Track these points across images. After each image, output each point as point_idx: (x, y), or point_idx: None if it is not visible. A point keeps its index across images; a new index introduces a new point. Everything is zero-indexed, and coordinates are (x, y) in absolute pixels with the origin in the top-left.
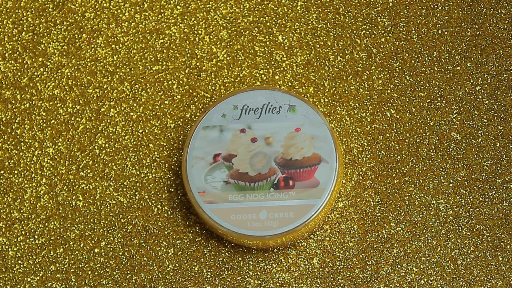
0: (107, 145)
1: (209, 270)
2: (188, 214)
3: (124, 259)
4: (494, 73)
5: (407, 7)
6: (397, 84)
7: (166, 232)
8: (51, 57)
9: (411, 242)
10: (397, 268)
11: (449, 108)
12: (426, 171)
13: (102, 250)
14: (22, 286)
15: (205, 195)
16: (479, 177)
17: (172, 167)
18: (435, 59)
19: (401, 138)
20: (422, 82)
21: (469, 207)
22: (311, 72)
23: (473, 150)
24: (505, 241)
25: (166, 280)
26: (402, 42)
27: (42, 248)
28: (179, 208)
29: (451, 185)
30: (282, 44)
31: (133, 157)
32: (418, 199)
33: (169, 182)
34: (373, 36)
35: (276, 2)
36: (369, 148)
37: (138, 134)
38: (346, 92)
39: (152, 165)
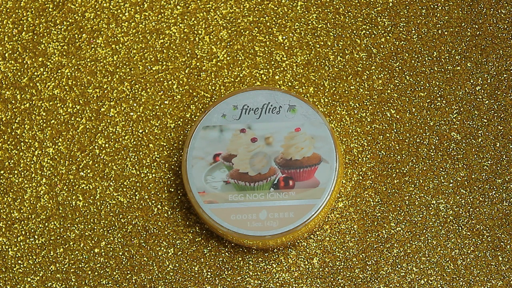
0: (107, 145)
1: (209, 270)
2: (188, 214)
3: (124, 259)
4: (494, 73)
5: (407, 7)
6: (397, 84)
7: (166, 232)
8: (51, 57)
9: (411, 242)
10: (397, 268)
11: (449, 108)
12: (426, 171)
13: (102, 250)
14: (22, 286)
15: (205, 195)
16: (479, 177)
17: (172, 167)
18: (435, 59)
19: (401, 138)
20: (422, 82)
21: (469, 207)
22: (311, 72)
23: (473, 150)
24: (505, 241)
25: (166, 280)
26: (402, 42)
27: (42, 248)
28: (179, 208)
29: (451, 185)
30: (282, 44)
31: (133, 157)
32: (418, 199)
33: (169, 182)
34: (373, 36)
35: (276, 2)
36: (369, 148)
37: (138, 134)
38: (346, 92)
39: (152, 165)
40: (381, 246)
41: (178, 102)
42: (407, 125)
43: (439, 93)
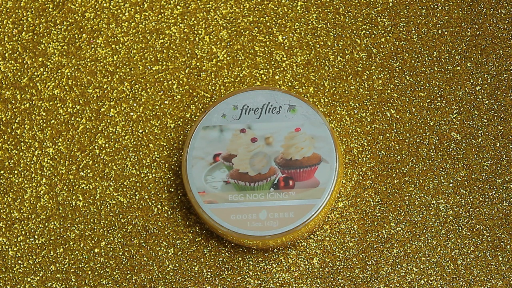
0: (107, 145)
1: (209, 270)
2: (188, 214)
3: (124, 259)
4: (494, 73)
5: (407, 7)
6: (397, 84)
7: (166, 232)
8: (51, 57)
9: (411, 242)
10: (397, 268)
11: (449, 108)
12: (426, 171)
13: (102, 250)
14: (22, 286)
15: (205, 195)
16: (479, 177)
17: (172, 167)
18: (435, 59)
19: (401, 138)
20: (422, 82)
21: (469, 207)
22: (311, 72)
23: (473, 150)
24: (505, 241)
25: (166, 280)
26: (402, 42)
27: (42, 248)
28: (179, 208)
29: (451, 185)
30: (282, 44)
31: (133, 157)
32: (418, 199)
33: (169, 182)
34: (373, 36)
35: (276, 2)
36: (369, 148)
37: (138, 134)
38: (346, 92)
39: (152, 165)
40: (381, 246)
41: (178, 102)
42: (407, 125)
43: (439, 93)
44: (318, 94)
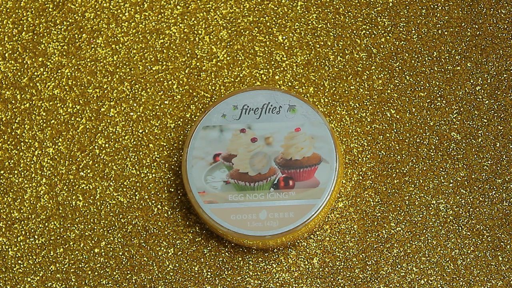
0: (107, 145)
1: (209, 270)
2: (188, 214)
3: (124, 259)
4: (494, 73)
5: (407, 7)
6: (397, 84)
7: (166, 232)
8: (51, 57)
9: (411, 242)
10: (397, 268)
11: (449, 108)
12: (426, 171)
13: (102, 250)
14: (22, 286)
15: (205, 195)
16: (479, 177)
17: (172, 167)
18: (435, 59)
19: (401, 138)
20: (422, 82)
21: (469, 207)
22: (311, 72)
23: (473, 150)
24: (505, 241)
25: (166, 280)
26: (402, 42)
27: (42, 248)
28: (179, 208)
29: (451, 185)
30: (282, 44)
31: (133, 157)
32: (418, 199)
33: (169, 182)
34: (373, 36)
35: (276, 2)
36: (369, 148)
37: (138, 134)
38: (346, 92)
39: (152, 165)
40: (381, 246)
41: (178, 102)
42: (407, 125)
43: (439, 93)
44: (318, 94)
